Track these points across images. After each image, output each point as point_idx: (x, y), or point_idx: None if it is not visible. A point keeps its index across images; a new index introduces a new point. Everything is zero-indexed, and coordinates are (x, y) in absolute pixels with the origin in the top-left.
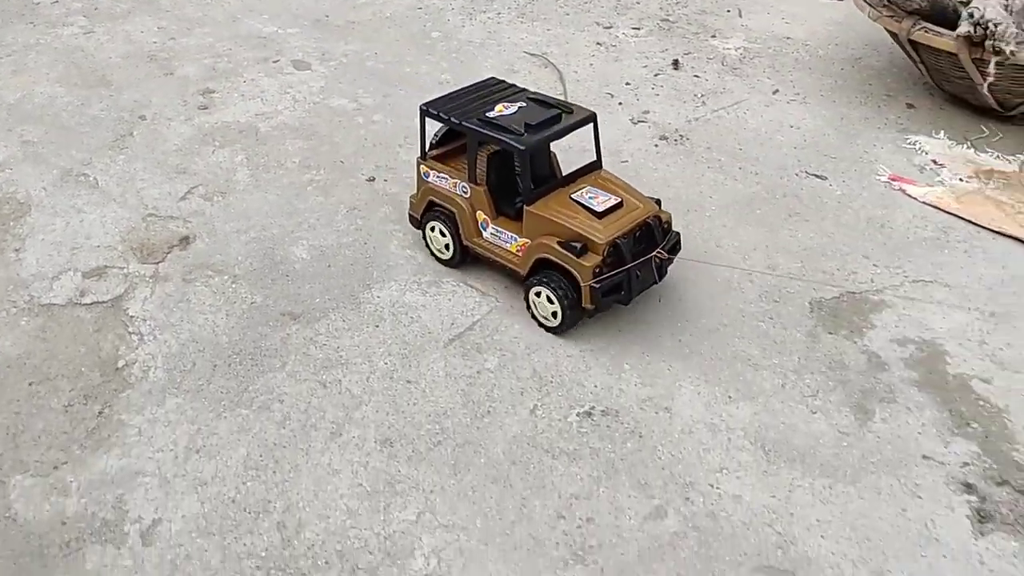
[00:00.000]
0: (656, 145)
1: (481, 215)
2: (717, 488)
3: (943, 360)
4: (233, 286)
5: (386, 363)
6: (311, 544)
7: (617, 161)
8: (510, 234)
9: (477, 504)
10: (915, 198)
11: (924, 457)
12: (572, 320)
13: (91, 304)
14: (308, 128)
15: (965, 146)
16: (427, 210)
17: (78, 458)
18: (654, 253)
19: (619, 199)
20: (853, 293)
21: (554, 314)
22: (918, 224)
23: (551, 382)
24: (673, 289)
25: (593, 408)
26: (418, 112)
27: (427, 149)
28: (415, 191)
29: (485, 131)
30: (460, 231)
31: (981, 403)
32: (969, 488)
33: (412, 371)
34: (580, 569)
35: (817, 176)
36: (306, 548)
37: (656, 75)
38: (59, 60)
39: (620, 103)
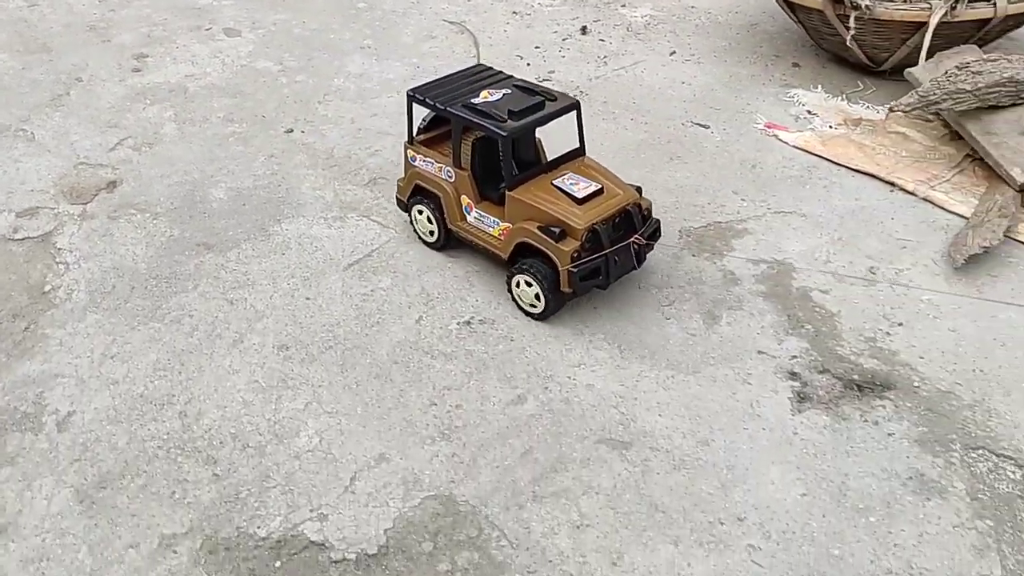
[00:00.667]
0: None
1: (465, 199)
2: (573, 379)
3: (790, 276)
4: (154, 222)
5: (289, 284)
6: (208, 428)
7: None
8: (493, 218)
9: (359, 395)
10: (786, 142)
11: (759, 352)
12: (556, 304)
13: (23, 239)
14: (234, 87)
15: (840, 99)
16: (413, 194)
17: (3, 364)
18: (632, 239)
19: (600, 186)
20: (719, 223)
21: (536, 300)
22: (786, 164)
23: (437, 297)
24: None
25: (472, 318)
26: (340, 76)
27: (414, 134)
28: (402, 175)
29: (469, 117)
30: (445, 215)
31: (817, 309)
32: (794, 376)
33: (312, 290)
34: (444, 444)
35: (701, 125)
36: (203, 432)
37: (564, 40)
38: (2, 30)
39: (528, 64)
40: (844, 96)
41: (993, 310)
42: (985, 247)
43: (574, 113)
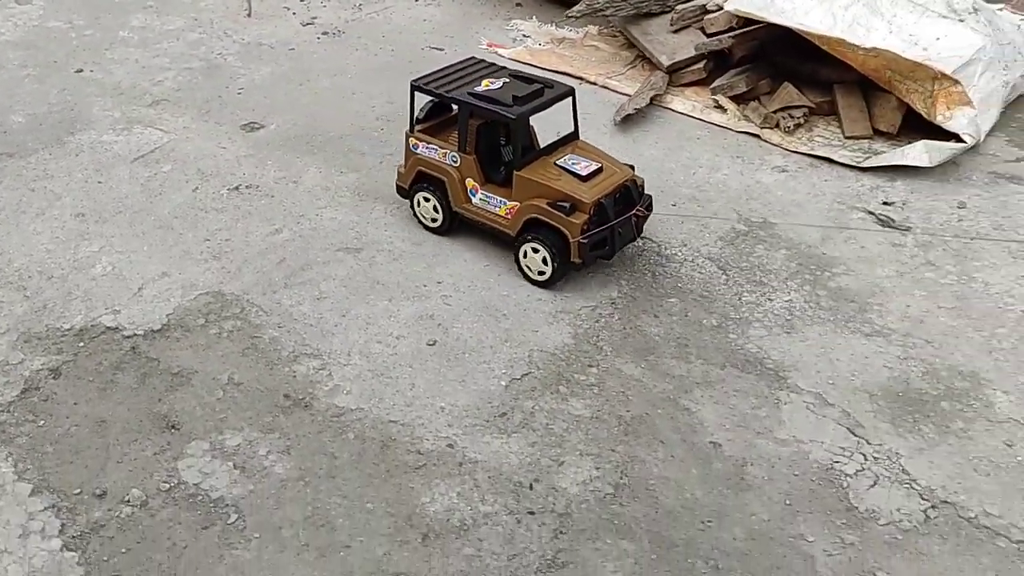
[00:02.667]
0: (319, 38)
1: (471, 182)
2: (320, 216)
3: None
4: None
5: (83, 175)
6: (17, 269)
7: (286, 49)
8: (499, 198)
9: (145, 240)
10: (503, 56)
11: None
12: (561, 273)
13: None
14: (27, 43)
15: (551, 25)
16: (415, 181)
17: None
18: (634, 211)
19: (599, 164)
20: None
21: (543, 267)
22: None
23: (211, 174)
24: (314, 115)
25: (240, 185)
26: (125, 29)
27: (414, 123)
28: (403, 163)
29: (479, 104)
30: (449, 198)
31: None
32: None
33: (103, 177)
34: (215, 262)
35: (436, 48)
36: (13, 272)
37: None
38: None
39: (294, 13)
40: (554, 24)
41: (640, 150)
42: (637, 108)
43: (570, 99)
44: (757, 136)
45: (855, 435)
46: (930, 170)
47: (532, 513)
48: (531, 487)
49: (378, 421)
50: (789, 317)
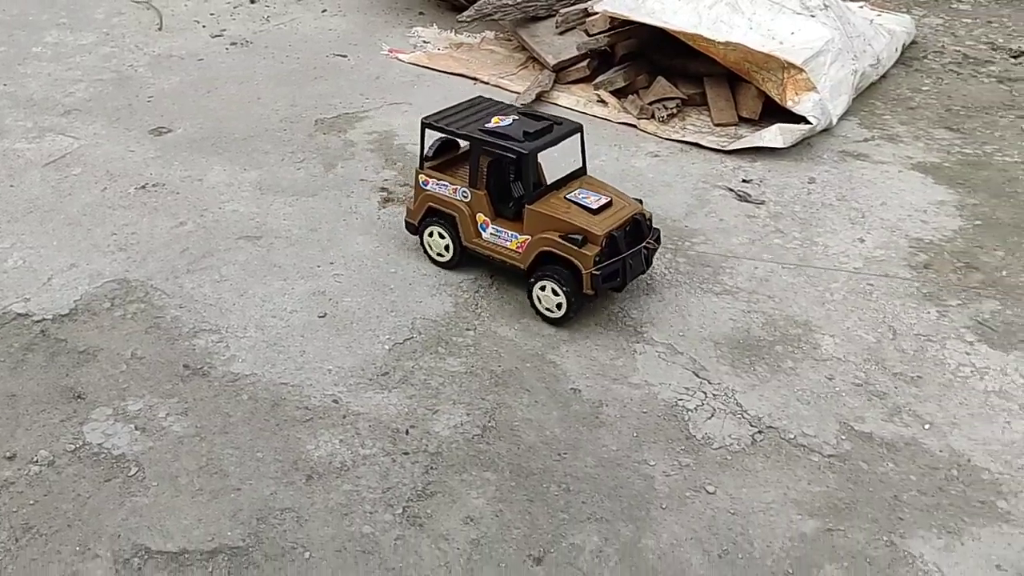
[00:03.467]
0: (227, 49)
1: (481, 217)
2: (223, 208)
3: (393, 138)
4: None
5: None
6: None
7: (195, 60)
8: (510, 233)
9: (55, 236)
10: (403, 61)
11: (361, 180)
12: (575, 308)
13: None
14: None
15: (451, 32)
16: (425, 216)
17: None
18: (643, 244)
19: (609, 198)
20: (347, 113)
21: (558, 305)
22: (402, 75)
23: (119, 175)
24: (220, 119)
25: (147, 184)
26: (38, 46)
27: (424, 160)
28: (412, 199)
29: (491, 140)
30: (460, 233)
31: (407, 155)
32: (383, 190)
33: (15, 181)
34: (122, 254)
35: (340, 55)
36: None
37: (236, 7)
38: None
39: (204, 26)
40: (453, 30)
41: None
42: (524, 104)
43: (577, 136)
44: (635, 126)
45: (698, 377)
46: (787, 150)
47: (407, 453)
48: (407, 432)
49: (270, 384)
50: (650, 282)
